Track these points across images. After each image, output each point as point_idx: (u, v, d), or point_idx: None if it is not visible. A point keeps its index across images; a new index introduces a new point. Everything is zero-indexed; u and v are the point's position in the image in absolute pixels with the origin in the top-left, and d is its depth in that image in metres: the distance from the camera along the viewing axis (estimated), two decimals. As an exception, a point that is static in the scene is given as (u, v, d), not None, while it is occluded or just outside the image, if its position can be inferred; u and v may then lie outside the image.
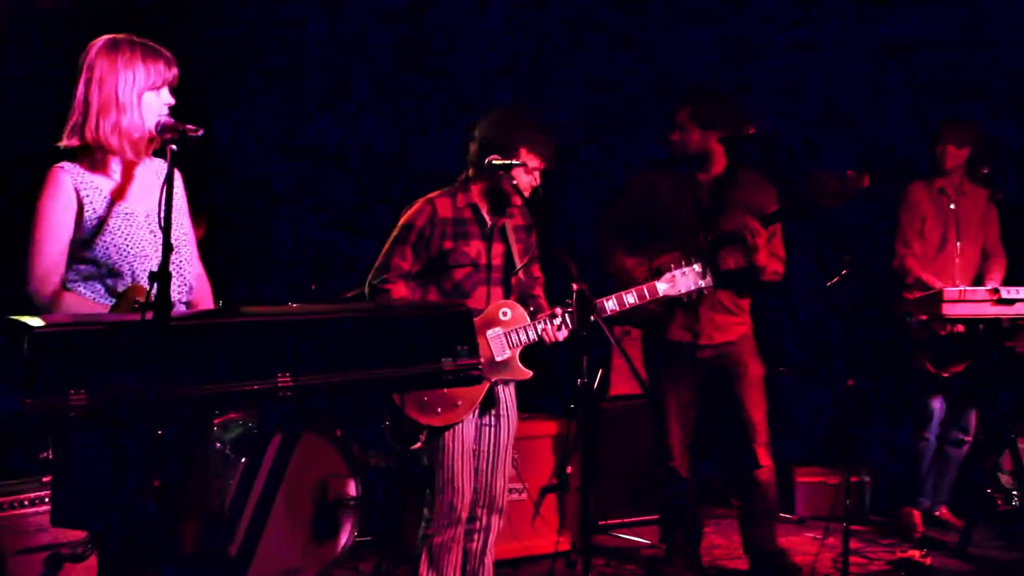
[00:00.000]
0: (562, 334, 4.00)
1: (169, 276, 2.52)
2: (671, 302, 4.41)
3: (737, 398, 4.84)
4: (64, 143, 3.00)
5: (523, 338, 3.99)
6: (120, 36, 3.04)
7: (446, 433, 3.95)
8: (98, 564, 3.07)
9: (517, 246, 4.12)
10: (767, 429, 4.85)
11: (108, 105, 2.98)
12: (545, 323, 3.98)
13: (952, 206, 5.71)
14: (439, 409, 3.92)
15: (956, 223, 5.73)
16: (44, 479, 4.16)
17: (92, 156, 3.01)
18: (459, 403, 3.94)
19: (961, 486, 5.90)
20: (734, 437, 4.90)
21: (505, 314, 4.00)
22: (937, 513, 5.85)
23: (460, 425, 3.96)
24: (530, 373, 4.04)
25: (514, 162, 3.84)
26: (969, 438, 5.76)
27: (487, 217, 4.06)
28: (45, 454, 4.21)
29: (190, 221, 3.25)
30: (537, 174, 4.00)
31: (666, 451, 4.90)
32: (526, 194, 3.98)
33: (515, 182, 3.90)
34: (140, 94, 2.99)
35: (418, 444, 4.95)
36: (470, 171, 4.06)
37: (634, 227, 4.93)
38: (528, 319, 4.02)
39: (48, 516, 3.91)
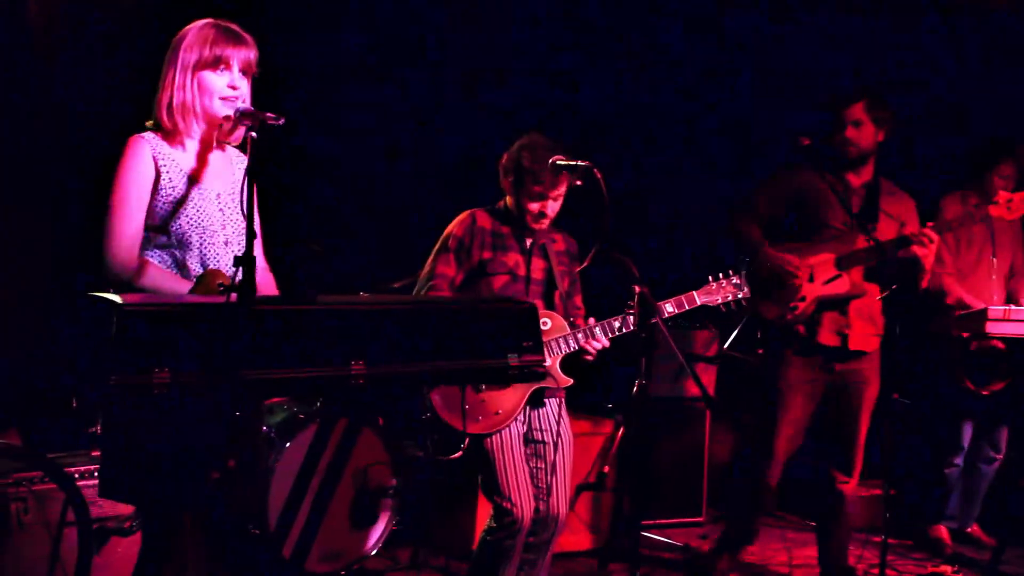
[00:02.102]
0: (602, 342, 4.06)
1: (254, 260, 2.55)
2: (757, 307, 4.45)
3: (850, 413, 4.79)
4: (149, 122, 3.10)
5: (564, 347, 4.05)
6: (207, 20, 3.10)
7: (493, 446, 3.99)
8: (142, 540, 3.10)
9: (559, 267, 4.18)
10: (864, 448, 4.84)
11: (168, 83, 3.06)
12: (586, 333, 4.05)
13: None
14: (479, 417, 3.97)
15: (992, 238, 5.69)
16: (93, 453, 4.21)
17: (169, 131, 3.07)
18: (499, 412, 3.99)
19: (994, 506, 5.91)
20: (832, 449, 4.86)
21: (545, 323, 4.04)
22: (969, 530, 5.86)
23: (507, 438, 4.00)
24: (571, 380, 4.10)
25: (579, 163, 3.88)
26: (1000, 455, 5.77)
27: (526, 236, 4.14)
28: (94, 428, 4.26)
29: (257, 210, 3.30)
30: (560, 199, 4.06)
31: (766, 460, 4.85)
32: (545, 222, 4.07)
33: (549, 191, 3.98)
34: (194, 72, 3.04)
35: (459, 453, 5.01)
36: (508, 199, 4.13)
37: (783, 220, 4.85)
38: (568, 330, 4.08)
39: (96, 489, 4.03)
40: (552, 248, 4.20)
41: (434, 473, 5.23)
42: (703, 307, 4.24)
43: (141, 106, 3.17)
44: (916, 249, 4.56)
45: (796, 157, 4.77)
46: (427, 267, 4.16)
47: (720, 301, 4.25)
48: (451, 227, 4.17)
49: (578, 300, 4.32)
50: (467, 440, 4.05)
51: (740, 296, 4.26)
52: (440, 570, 5.01)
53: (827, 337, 4.73)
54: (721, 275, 4.29)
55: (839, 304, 4.71)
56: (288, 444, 4.54)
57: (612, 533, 5.43)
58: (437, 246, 4.17)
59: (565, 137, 4.14)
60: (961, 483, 5.82)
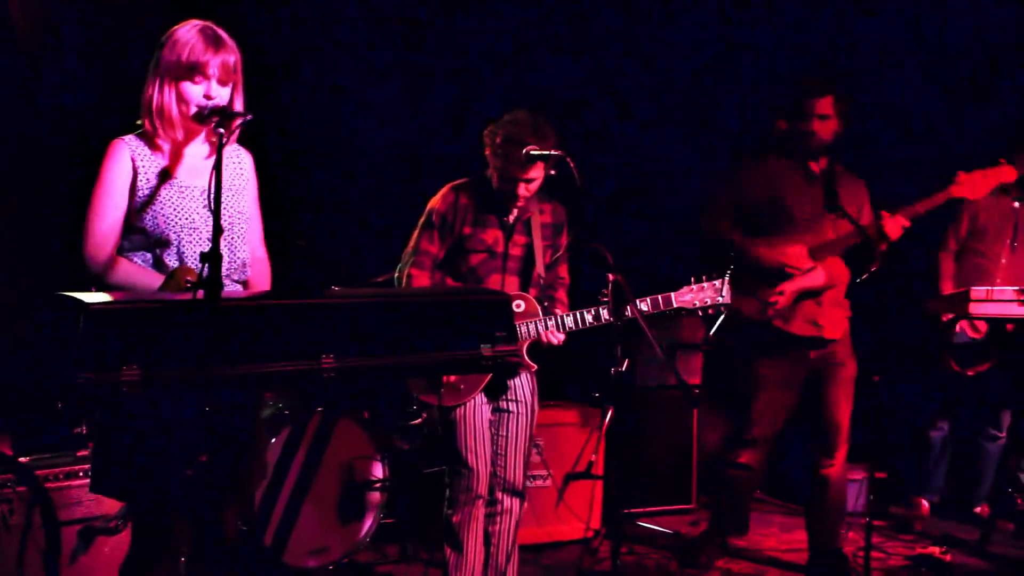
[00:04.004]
0: (557, 338, 4.06)
1: (220, 257, 2.57)
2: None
3: (829, 395, 4.82)
4: (140, 121, 3.12)
5: (531, 332, 4.06)
6: (196, 22, 3.09)
7: (456, 415, 4.04)
8: (131, 535, 3.11)
9: (542, 243, 4.16)
10: (849, 429, 4.85)
11: (149, 87, 3.07)
12: (546, 322, 4.05)
13: (1016, 204, 5.61)
14: (442, 390, 4.00)
15: (1015, 224, 5.63)
16: (79, 453, 4.22)
17: (151, 134, 3.09)
18: (462, 387, 4.02)
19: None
20: (814, 433, 4.89)
21: (519, 306, 4.05)
22: (978, 510, 5.87)
23: (471, 408, 4.04)
24: (535, 366, 4.12)
25: (553, 152, 3.87)
26: (1003, 434, 5.79)
27: (508, 210, 4.11)
28: (79, 429, 4.28)
29: (256, 203, 3.32)
30: (537, 181, 4.03)
31: (747, 441, 4.92)
32: (521, 201, 4.05)
33: (529, 177, 3.96)
34: (173, 81, 3.04)
35: (418, 420, 5.06)
36: (491, 171, 4.10)
37: (751, 213, 4.81)
38: (540, 314, 4.08)
39: (82, 489, 4.05)
40: (537, 221, 4.16)
41: (422, 466, 5.25)
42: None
43: (128, 105, 3.19)
44: (887, 229, 4.60)
45: (765, 144, 4.80)
46: (411, 243, 4.17)
47: (699, 305, 4.19)
48: (434, 202, 4.15)
49: (562, 271, 4.30)
50: (426, 412, 4.07)
51: (720, 301, 4.20)
52: (429, 564, 5.02)
53: (801, 327, 4.75)
54: (704, 277, 4.24)
55: (814, 295, 4.73)
56: (274, 440, 4.57)
57: (601, 522, 5.45)
58: (421, 220, 4.16)
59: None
60: (950, 456, 5.83)
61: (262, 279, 3.36)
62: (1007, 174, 4.69)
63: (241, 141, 3.27)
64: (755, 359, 4.86)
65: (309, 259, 5.17)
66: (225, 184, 3.09)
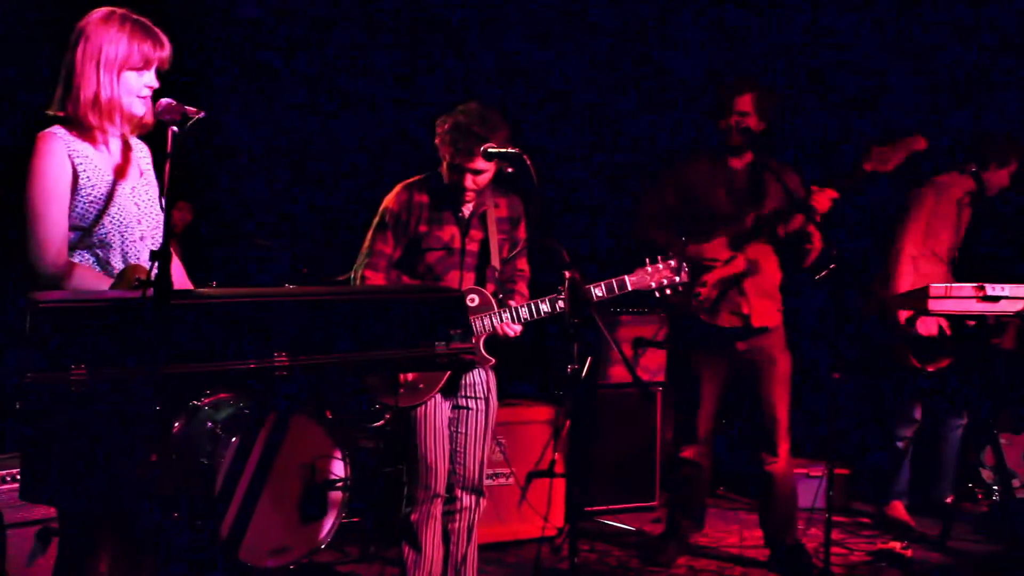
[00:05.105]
0: (513, 330, 4.04)
1: (170, 255, 2.55)
2: (688, 287, 4.44)
3: (763, 392, 4.93)
4: (51, 111, 3.02)
5: (486, 326, 4.04)
6: (117, 9, 3.04)
7: (415, 413, 4.03)
8: (60, 536, 3.04)
9: (498, 236, 4.15)
10: (789, 424, 4.94)
11: (88, 79, 2.99)
12: (501, 315, 4.04)
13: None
14: (402, 390, 3.99)
15: (956, 224, 5.67)
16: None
17: (80, 127, 3.02)
18: (421, 386, 4.01)
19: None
20: (754, 430, 4.99)
21: (472, 300, 4.04)
22: (949, 500, 5.91)
23: (430, 406, 4.03)
24: (493, 360, 4.11)
25: (510, 150, 3.86)
26: (963, 421, 5.84)
27: (461, 204, 4.09)
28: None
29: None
30: (488, 173, 4.01)
31: (690, 436, 5.04)
32: (470, 194, 4.02)
33: (479, 171, 3.95)
34: (119, 71, 3.00)
35: (381, 422, 5.03)
36: (443, 166, 4.07)
37: (674, 216, 4.94)
38: (495, 307, 4.07)
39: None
40: (492, 216, 4.14)
41: (384, 465, 5.24)
42: (646, 293, 4.25)
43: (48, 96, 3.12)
44: (815, 202, 4.67)
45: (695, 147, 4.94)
46: (365, 244, 4.15)
47: (655, 286, 4.20)
48: (387, 201, 4.13)
49: (521, 263, 4.28)
50: (389, 412, 4.04)
51: (677, 281, 4.22)
52: (390, 563, 5.01)
53: (726, 319, 4.88)
54: (660, 257, 4.24)
55: (737, 284, 4.83)
56: (234, 439, 4.54)
57: (562, 519, 5.46)
58: (375, 221, 4.14)
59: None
60: (913, 457, 5.87)
61: (180, 275, 3.28)
62: (918, 143, 4.77)
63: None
64: (691, 355, 5.03)
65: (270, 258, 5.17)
66: (147, 179, 3.15)
